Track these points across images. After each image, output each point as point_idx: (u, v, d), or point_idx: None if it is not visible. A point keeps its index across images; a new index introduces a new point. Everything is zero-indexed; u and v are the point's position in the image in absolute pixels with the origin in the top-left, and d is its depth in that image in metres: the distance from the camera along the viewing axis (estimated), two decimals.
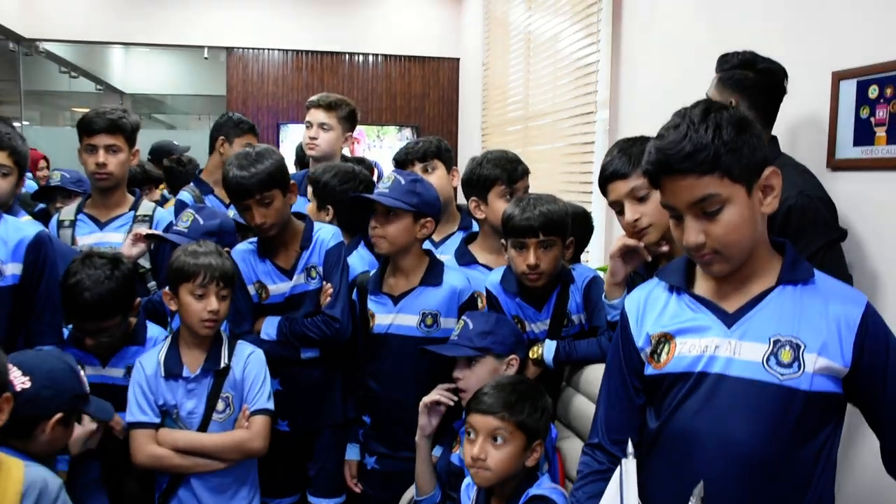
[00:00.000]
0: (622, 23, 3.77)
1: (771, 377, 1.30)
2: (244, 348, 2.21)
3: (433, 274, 2.30)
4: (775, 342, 1.31)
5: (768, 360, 1.30)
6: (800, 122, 2.35)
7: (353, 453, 2.41)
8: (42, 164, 4.96)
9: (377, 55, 7.25)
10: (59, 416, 1.75)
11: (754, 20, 2.66)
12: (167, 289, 2.14)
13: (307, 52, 7.15)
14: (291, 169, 4.13)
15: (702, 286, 1.42)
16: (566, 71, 4.52)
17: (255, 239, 2.43)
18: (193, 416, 2.13)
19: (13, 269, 2.22)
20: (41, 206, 3.61)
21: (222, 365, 2.14)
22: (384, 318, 2.30)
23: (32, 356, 1.84)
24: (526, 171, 2.47)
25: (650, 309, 1.47)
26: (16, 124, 7.80)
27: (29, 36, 6.72)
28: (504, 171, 2.40)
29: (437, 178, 2.67)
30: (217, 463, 2.11)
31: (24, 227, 2.30)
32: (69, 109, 11.19)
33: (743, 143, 1.27)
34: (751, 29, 2.65)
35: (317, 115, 3.16)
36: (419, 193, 2.26)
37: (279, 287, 2.38)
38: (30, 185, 3.78)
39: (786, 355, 1.30)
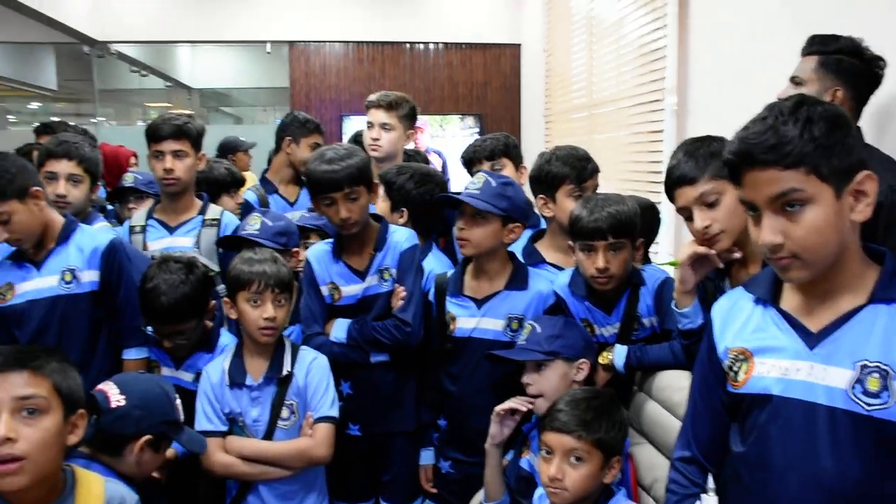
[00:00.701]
0: (689, 3, 3.64)
1: (856, 407, 1.19)
2: (306, 355, 2.19)
3: (519, 277, 2.25)
4: (862, 367, 1.19)
5: (853, 387, 1.19)
6: (885, 110, 2.21)
7: (427, 458, 2.38)
8: (132, 160, 5.05)
9: (438, 44, 7.21)
10: (147, 438, 1.79)
11: None
12: (226, 297, 2.16)
13: (368, 43, 7.15)
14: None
15: (788, 300, 1.32)
16: (631, 56, 4.40)
17: (331, 240, 2.41)
18: (259, 423, 2.13)
19: (90, 276, 2.31)
20: (110, 207, 3.66)
21: (285, 372, 2.13)
22: (467, 321, 2.26)
23: (131, 378, 1.90)
24: (596, 170, 2.40)
25: (732, 320, 1.38)
26: (92, 121, 8.07)
27: (101, 39, 6.93)
28: (573, 169, 2.33)
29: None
30: (283, 471, 2.12)
31: (98, 234, 2.39)
32: (141, 105, 11.54)
33: (836, 142, 1.16)
34: (830, 6, 2.50)
35: (377, 116, 3.09)
36: (509, 197, 2.19)
37: (352, 288, 2.34)
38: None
39: (873, 383, 1.18)
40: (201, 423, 2.13)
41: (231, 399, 2.14)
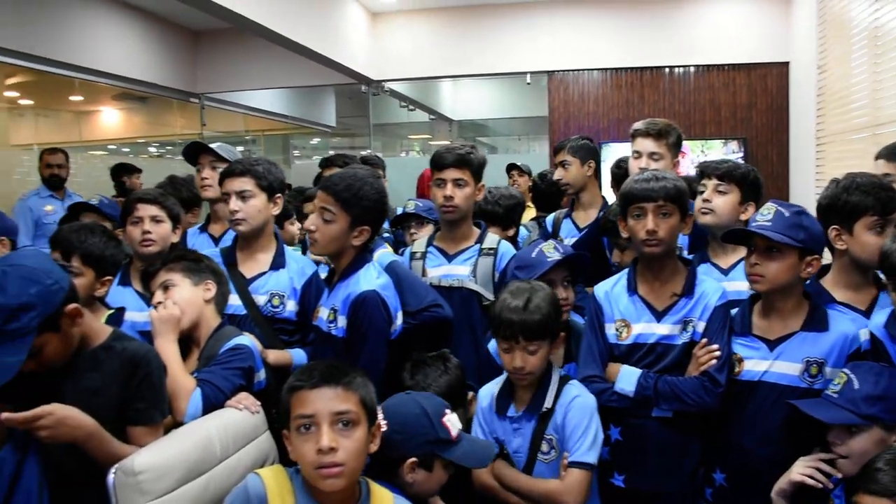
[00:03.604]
0: None
1: None
2: (571, 390, 2.12)
3: (817, 317, 2.08)
4: None
5: None
6: None
7: None
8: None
9: (699, 66, 7.02)
10: (412, 460, 1.80)
11: None
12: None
13: (626, 69, 7.14)
14: (608, 191, 4.14)
15: None
16: None
17: (622, 273, 2.36)
18: (519, 454, 2.12)
19: (342, 322, 2.30)
20: (386, 235, 3.93)
21: (545, 408, 2.09)
22: (756, 364, 2.12)
23: (395, 402, 1.90)
24: None
25: None
26: (363, 153, 8.83)
27: (376, 78, 7.60)
28: (878, 200, 2.12)
29: (723, 201, 2.49)
30: None
31: (363, 281, 2.31)
32: (405, 138, 12.39)
33: None
34: None
35: (645, 145, 2.98)
36: (806, 227, 2.05)
37: (645, 327, 2.23)
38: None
39: None
40: None
41: (497, 426, 2.15)
